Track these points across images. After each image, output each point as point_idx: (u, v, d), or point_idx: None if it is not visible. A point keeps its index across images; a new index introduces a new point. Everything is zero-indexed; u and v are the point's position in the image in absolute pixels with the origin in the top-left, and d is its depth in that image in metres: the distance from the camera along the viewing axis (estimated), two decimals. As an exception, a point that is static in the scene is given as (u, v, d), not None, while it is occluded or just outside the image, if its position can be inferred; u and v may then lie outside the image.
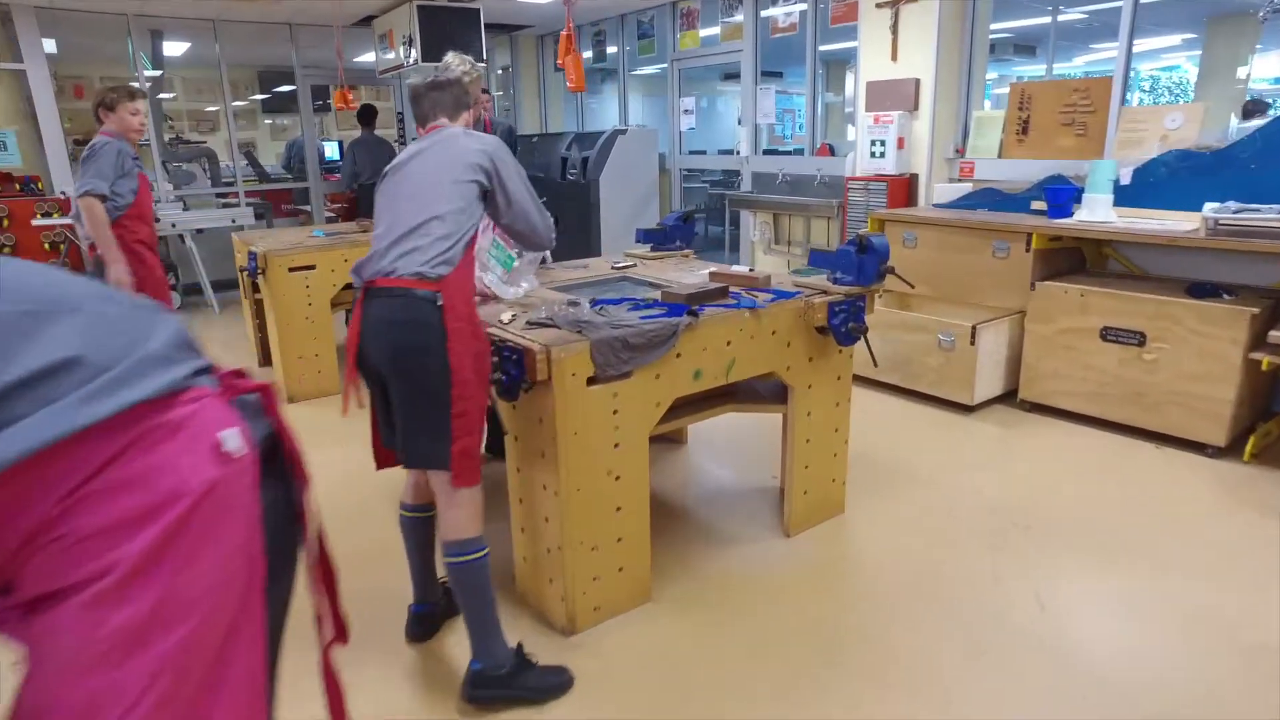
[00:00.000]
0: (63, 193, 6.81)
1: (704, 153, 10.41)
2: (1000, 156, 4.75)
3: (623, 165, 7.25)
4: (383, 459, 2.14)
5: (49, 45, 8.26)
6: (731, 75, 9.70)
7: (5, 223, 6.53)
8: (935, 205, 4.81)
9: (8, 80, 6.71)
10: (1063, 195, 4.06)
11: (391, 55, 6.98)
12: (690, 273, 3.06)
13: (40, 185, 6.79)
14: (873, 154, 5.14)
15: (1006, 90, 4.87)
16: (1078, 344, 3.73)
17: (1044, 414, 3.95)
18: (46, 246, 6.68)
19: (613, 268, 3.18)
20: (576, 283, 3.00)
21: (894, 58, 5.01)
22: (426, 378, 1.93)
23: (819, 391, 2.70)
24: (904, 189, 5.09)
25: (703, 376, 2.36)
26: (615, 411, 2.18)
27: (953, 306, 4.33)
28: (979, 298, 4.23)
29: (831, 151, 5.93)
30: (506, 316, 2.33)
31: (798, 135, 9.61)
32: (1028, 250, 3.96)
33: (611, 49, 8.16)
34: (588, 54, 8.43)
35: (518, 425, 2.27)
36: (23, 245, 6.59)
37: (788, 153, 7.54)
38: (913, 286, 2.59)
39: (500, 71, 9.51)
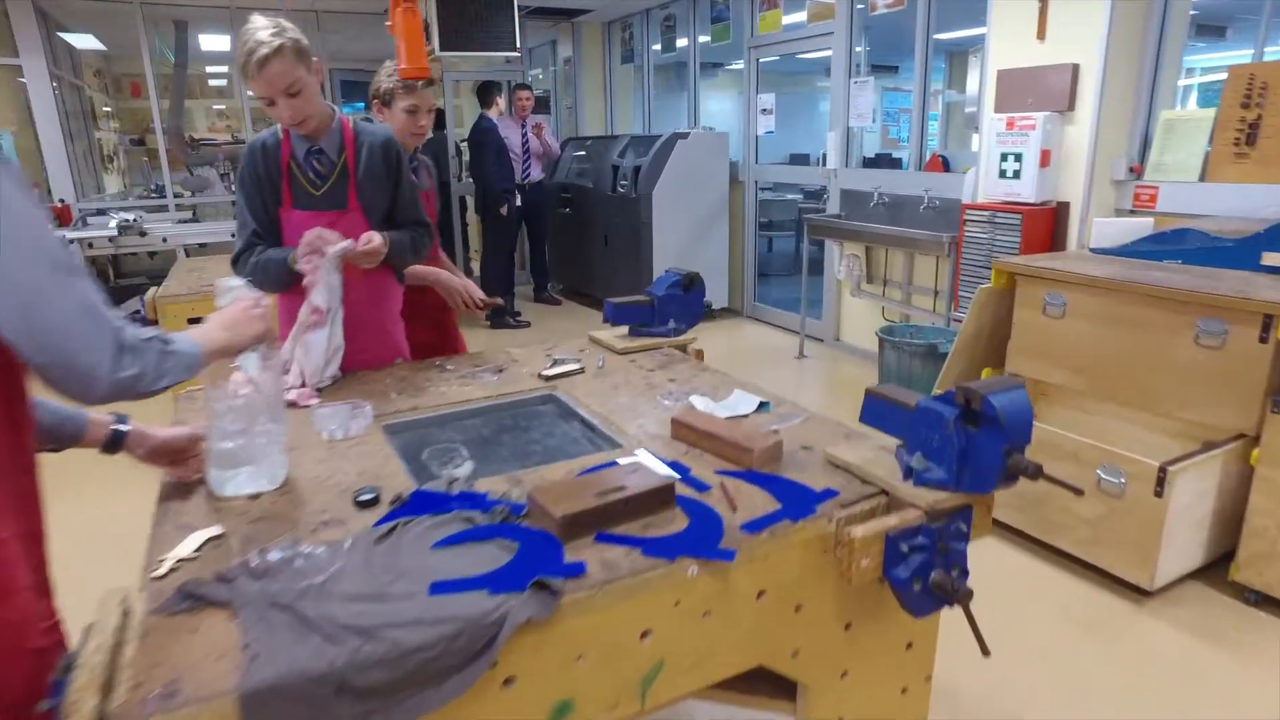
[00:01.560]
0: (61, 201, 6.19)
1: (806, 158, 8.96)
2: (1205, 179, 3.17)
3: (682, 176, 5.96)
4: None
5: (89, 41, 7.80)
6: (838, 68, 8.18)
7: (-2, 234, 5.94)
8: (1094, 250, 3.29)
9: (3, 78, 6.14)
10: (1327, 251, 2.49)
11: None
12: (662, 395, 1.77)
13: (37, 193, 6.18)
14: (1003, 172, 3.64)
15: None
16: (1358, 515, 2.18)
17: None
18: (41, 260, 6.06)
19: (541, 376, 1.93)
20: (451, 411, 1.76)
21: (1041, 35, 3.50)
22: None
23: (863, 677, 1.35)
24: (1047, 224, 3.57)
25: (576, 713, 1.07)
26: (331, 831, 0.94)
27: (1120, 410, 2.83)
28: (1165, 404, 2.69)
29: (945, 166, 4.44)
30: (186, 549, 1.13)
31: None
32: (1264, 339, 2.41)
33: (682, 41, 6.86)
34: (656, 46, 7.17)
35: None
36: (17, 258, 6.00)
37: (898, 161, 6.04)
38: (1080, 492, 1.20)
39: (563, 64, 8.39)
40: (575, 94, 8.13)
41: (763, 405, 1.65)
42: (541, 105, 8.56)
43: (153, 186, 7.71)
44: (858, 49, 5.08)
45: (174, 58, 7.01)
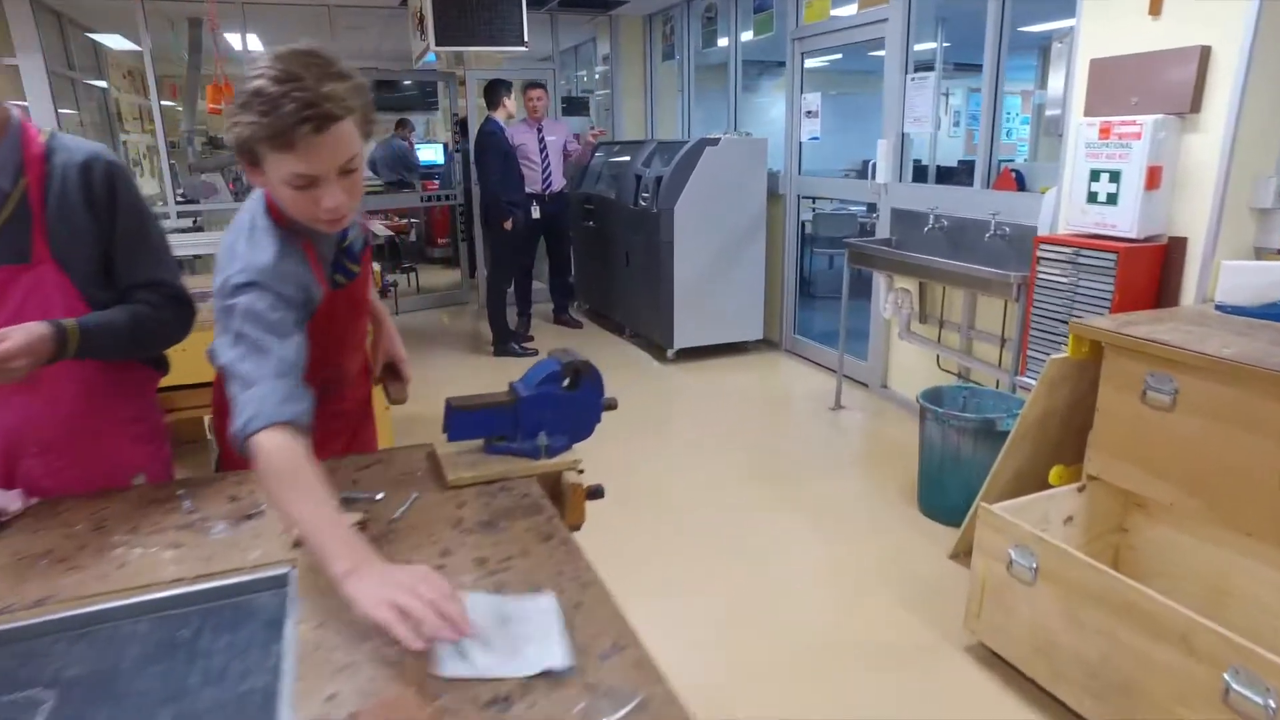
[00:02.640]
0: (57, 208, 5.89)
1: (864, 166, 8.01)
2: (1395, 214, 2.21)
3: (711, 188, 5.17)
4: None
5: (119, 41, 7.58)
6: (922, 65, 7.10)
7: (-8, 242, 5.69)
8: (1222, 308, 2.36)
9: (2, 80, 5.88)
10: None
11: (413, 41, 5.40)
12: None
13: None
14: (1093, 195, 2.73)
15: None
16: None
17: None
18: (35, 270, 5.77)
19: (291, 540, 1.22)
20: (103, 607, 1.06)
21: (1155, 10, 2.58)
22: None
23: None
24: (1153, 268, 2.64)
25: None
26: None
27: (1255, 547, 1.93)
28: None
29: (1019, 184, 3.52)
30: None
31: (1004, 143, 6.69)
32: None
33: (723, 40, 6.06)
34: (699, 43, 6.39)
35: None
36: (11, 268, 5.74)
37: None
38: None
39: (602, 62, 7.71)
40: (612, 95, 7.43)
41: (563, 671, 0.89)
42: (580, 107, 7.93)
43: (180, 192, 7.42)
44: (931, 44, 4.22)
45: (187, 57, 6.67)
